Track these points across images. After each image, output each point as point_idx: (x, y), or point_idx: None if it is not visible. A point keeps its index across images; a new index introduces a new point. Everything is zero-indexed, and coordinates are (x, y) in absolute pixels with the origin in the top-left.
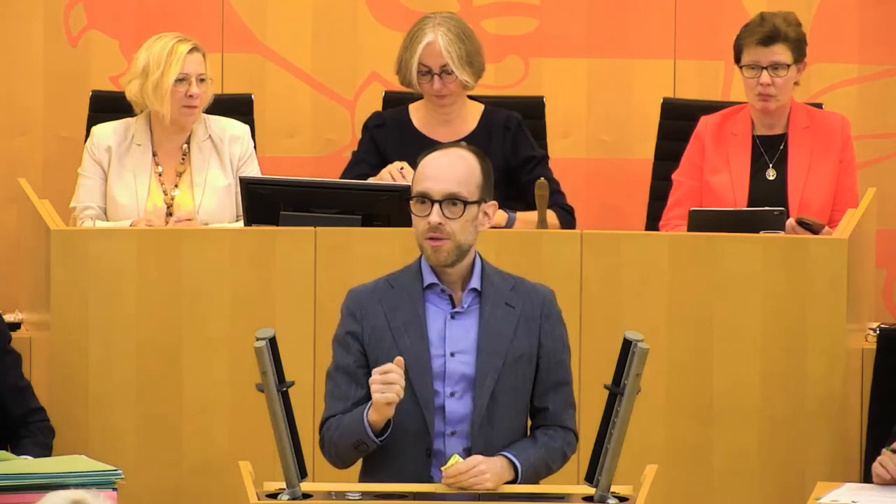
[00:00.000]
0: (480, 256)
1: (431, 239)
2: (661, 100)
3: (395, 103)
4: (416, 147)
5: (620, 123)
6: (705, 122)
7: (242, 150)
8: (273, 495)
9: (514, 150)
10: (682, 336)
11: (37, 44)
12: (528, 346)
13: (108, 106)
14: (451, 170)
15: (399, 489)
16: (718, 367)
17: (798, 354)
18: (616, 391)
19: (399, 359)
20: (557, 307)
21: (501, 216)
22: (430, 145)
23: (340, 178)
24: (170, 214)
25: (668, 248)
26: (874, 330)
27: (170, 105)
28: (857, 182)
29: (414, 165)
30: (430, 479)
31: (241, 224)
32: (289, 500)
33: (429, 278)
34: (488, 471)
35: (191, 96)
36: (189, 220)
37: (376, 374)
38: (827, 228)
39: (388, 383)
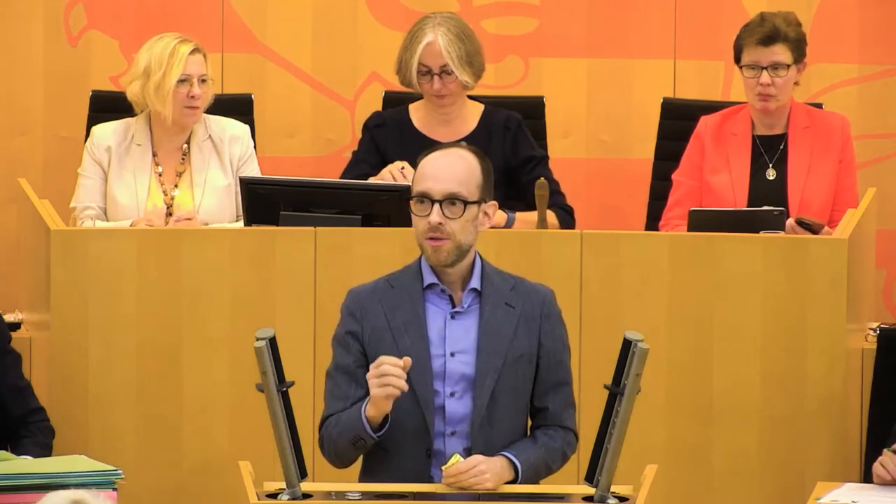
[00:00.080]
0: (480, 256)
1: (431, 239)
2: (661, 100)
3: (395, 103)
4: (416, 147)
5: (620, 123)
6: (705, 122)
7: (242, 150)
8: (273, 495)
9: (514, 150)
10: (682, 336)
11: (37, 44)
12: (528, 346)
13: (108, 106)
14: (451, 170)
15: (399, 489)
16: (718, 367)
17: (798, 354)
18: (616, 391)
19: (407, 359)
20: (557, 307)
21: (501, 216)
22: (430, 145)
23: (340, 177)
24: (170, 214)
25: (668, 248)
26: (874, 330)
27: (171, 106)
28: (857, 182)
29: (414, 165)
30: (430, 479)
31: (241, 224)
32: (289, 500)
33: (429, 278)
34: (488, 471)
35: (192, 97)
36: (189, 219)
37: (371, 370)
38: (827, 228)
39: (382, 375)
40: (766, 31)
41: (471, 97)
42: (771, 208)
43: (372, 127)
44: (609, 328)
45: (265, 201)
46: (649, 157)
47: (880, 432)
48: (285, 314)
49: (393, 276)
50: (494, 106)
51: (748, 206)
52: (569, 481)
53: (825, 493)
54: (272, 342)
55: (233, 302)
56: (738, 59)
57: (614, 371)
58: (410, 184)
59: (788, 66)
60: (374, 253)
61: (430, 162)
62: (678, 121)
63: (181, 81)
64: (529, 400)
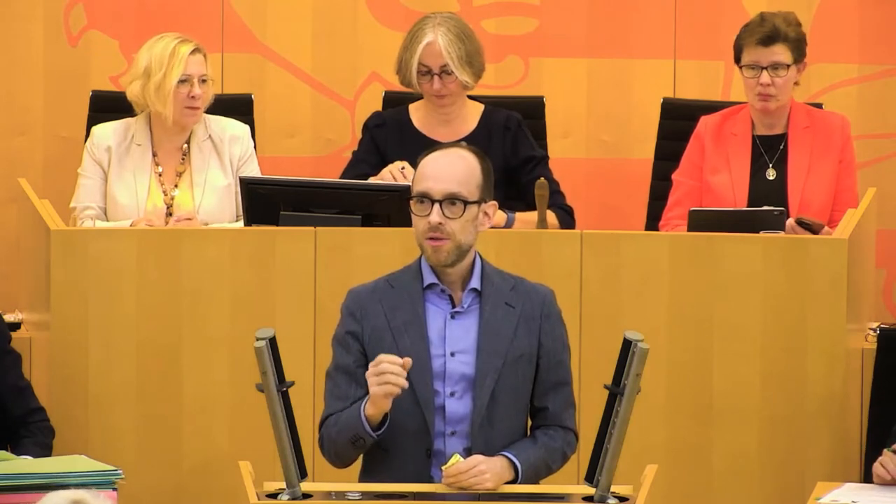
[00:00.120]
0: (480, 256)
1: (431, 239)
2: (661, 100)
3: (395, 103)
4: (416, 147)
5: (620, 123)
6: (705, 122)
7: (242, 150)
8: (273, 495)
9: (514, 150)
10: (682, 336)
11: (37, 44)
12: (528, 346)
13: (108, 106)
14: (451, 170)
15: (399, 489)
16: (718, 367)
17: (798, 354)
18: (616, 391)
19: (407, 359)
20: (557, 307)
21: (501, 217)
22: (430, 145)
23: (340, 177)
24: (170, 214)
25: (668, 248)
26: (874, 330)
27: (172, 106)
28: (857, 182)
29: (414, 165)
30: (430, 479)
31: (241, 224)
32: (289, 500)
33: (429, 278)
34: (488, 471)
35: (193, 97)
36: (189, 219)
37: (371, 368)
38: (827, 228)
39: (381, 374)
40: (766, 31)
41: (471, 97)
42: (771, 208)
43: (372, 127)
44: (609, 328)
45: (265, 201)
46: (649, 157)
47: (880, 432)
48: (285, 314)
49: (393, 276)
50: (494, 106)
51: (748, 206)
52: (569, 481)
53: (825, 493)
54: (272, 342)
55: (233, 302)
56: (738, 59)
57: (614, 371)
58: (410, 184)
59: (788, 66)
60: (374, 253)
61: (431, 162)
62: (678, 121)
63: (182, 82)
64: (529, 400)
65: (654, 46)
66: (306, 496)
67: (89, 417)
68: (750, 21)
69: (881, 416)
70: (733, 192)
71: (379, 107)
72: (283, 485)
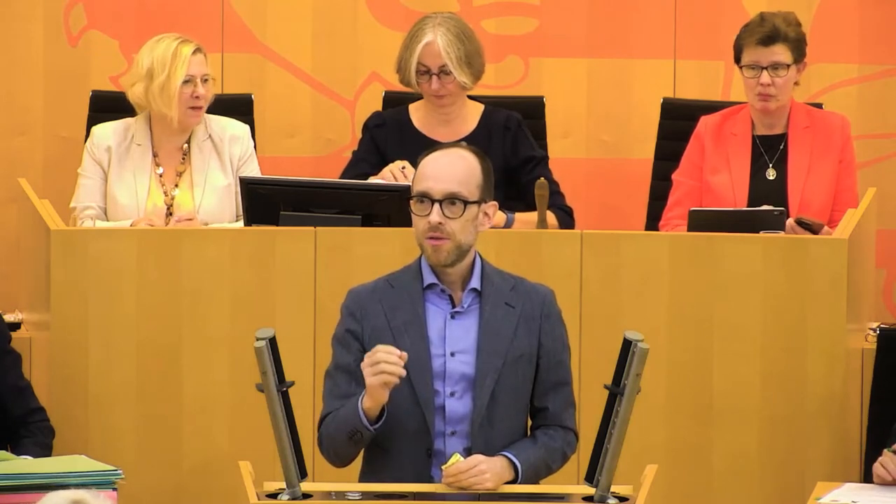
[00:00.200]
0: (480, 256)
1: (431, 238)
2: (661, 100)
3: (395, 103)
4: (416, 147)
5: (620, 123)
6: (705, 122)
7: (242, 150)
8: (273, 495)
9: (514, 150)
10: (682, 336)
11: (37, 44)
12: (528, 346)
13: (108, 106)
14: (451, 169)
15: (399, 489)
16: (718, 367)
17: (798, 354)
18: (616, 391)
19: (403, 353)
20: (557, 307)
21: (500, 217)
22: (430, 145)
23: (340, 177)
24: (170, 214)
25: (668, 248)
26: (874, 330)
27: (177, 107)
28: (857, 182)
29: (415, 165)
30: (430, 479)
31: (241, 224)
32: (289, 500)
33: (428, 278)
34: (488, 470)
35: (197, 97)
36: (190, 219)
37: (366, 359)
38: (827, 228)
39: (376, 363)
40: (766, 31)
41: (471, 97)
42: (771, 208)
43: (372, 127)
44: (609, 328)
45: (265, 201)
46: (649, 157)
47: (880, 432)
48: (285, 314)
49: (393, 276)
50: (494, 106)
51: (748, 206)
52: (569, 481)
53: (825, 493)
54: (272, 342)
55: (233, 302)
56: (738, 60)
57: (614, 371)
58: (411, 183)
59: (788, 66)
60: (374, 253)
61: (431, 162)
62: (678, 121)
63: (185, 82)
64: (529, 400)
65: (654, 46)
66: (306, 496)
67: (89, 417)
68: (750, 21)
69: (881, 415)
70: (733, 192)
71: (379, 107)
72: (283, 485)
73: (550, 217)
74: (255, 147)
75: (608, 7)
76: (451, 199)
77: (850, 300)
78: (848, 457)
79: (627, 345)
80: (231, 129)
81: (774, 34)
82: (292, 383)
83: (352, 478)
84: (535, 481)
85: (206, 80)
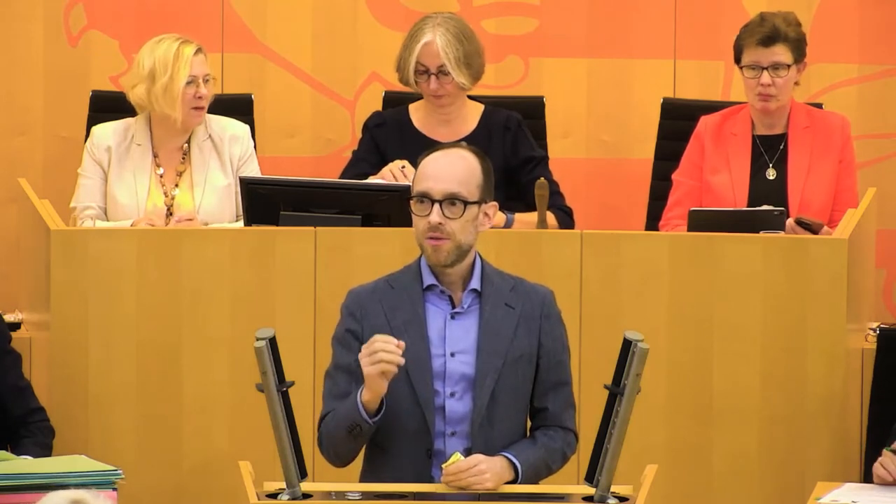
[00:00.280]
0: (480, 257)
1: (431, 238)
2: (661, 100)
3: (395, 103)
4: (416, 147)
5: (620, 123)
6: (705, 122)
7: (242, 150)
8: (273, 495)
9: (514, 150)
10: (682, 336)
11: (37, 44)
12: (528, 346)
13: (108, 106)
14: (451, 170)
15: (399, 489)
16: (718, 367)
17: (798, 354)
18: (616, 391)
19: (401, 342)
20: (557, 308)
21: (500, 218)
22: (430, 145)
23: (340, 177)
24: (170, 214)
25: (668, 248)
26: (874, 330)
27: (181, 108)
28: (857, 182)
29: (415, 165)
30: (430, 480)
31: (241, 224)
32: (289, 500)
33: (428, 279)
34: (488, 470)
35: (200, 97)
36: (190, 219)
37: (363, 349)
38: (827, 228)
39: (373, 352)
40: (767, 32)
41: (471, 97)
42: (771, 208)
43: (372, 127)
44: (609, 328)
45: (265, 201)
46: (649, 157)
47: (880, 432)
48: (285, 314)
49: (392, 276)
50: (494, 106)
51: (748, 206)
52: (569, 481)
53: (825, 493)
54: (272, 342)
55: (233, 302)
56: (738, 60)
57: (614, 371)
58: (410, 183)
59: (789, 66)
60: (374, 253)
61: (431, 162)
62: (678, 121)
63: (188, 83)
64: (529, 400)
65: (654, 46)
66: (306, 496)
67: (89, 417)
68: (750, 21)
69: (881, 415)
70: (733, 192)
71: (379, 107)
72: (283, 485)
73: (550, 217)
74: (255, 147)
75: (608, 7)
76: (451, 199)
77: (850, 300)
78: (848, 457)
79: (627, 345)
80: (231, 128)
81: (775, 34)
82: (292, 383)
83: (352, 478)
84: (535, 482)
85: (207, 81)
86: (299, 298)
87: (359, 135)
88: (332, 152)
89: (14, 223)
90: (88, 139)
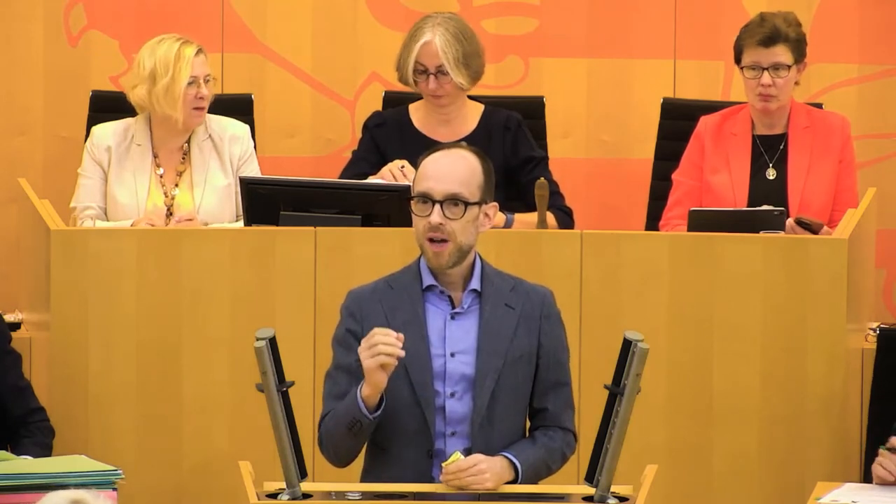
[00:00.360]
0: (480, 257)
1: (432, 241)
2: (661, 100)
3: (395, 103)
4: (417, 147)
5: (620, 123)
6: (705, 122)
7: (242, 150)
8: (273, 495)
9: (514, 150)
10: (682, 336)
11: (37, 44)
12: (528, 347)
13: (108, 106)
14: (452, 170)
15: (399, 489)
16: (718, 367)
17: (798, 354)
18: (616, 391)
19: (401, 334)
20: (557, 308)
21: (500, 218)
22: (430, 145)
23: (339, 176)
24: (170, 214)
25: (668, 248)
26: (874, 330)
27: (182, 108)
28: (857, 182)
29: (415, 165)
30: (431, 480)
31: (241, 224)
32: (289, 500)
33: (428, 279)
34: (488, 470)
35: (201, 98)
36: (190, 219)
37: (363, 343)
38: (826, 228)
39: (373, 345)
40: (767, 32)
41: (471, 97)
42: (771, 208)
43: (372, 127)
44: (609, 328)
45: (265, 201)
46: (649, 157)
47: (880, 432)
48: (285, 314)
49: (392, 276)
50: (494, 106)
51: (748, 206)
52: (569, 481)
53: (825, 493)
54: (272, 342)
55: (233, 302)
56: (738, 60)
57: (614, 371)
58: (410, 183)
59: (789, 66)
60: (374, 253)
61: (432, 162)
62: (678, 121)
63: (189, 84)
64: (529, 400)
65: (654, 46)
66: (306, 496)
67: (89, 417)
68: (750, 21)
69: (881, 415)
70: (733, 192)
71: (379, 107)
72: (283, 485)
73: (550, 217)
74: (255, 147)
75: (608, 7)
76: (452, 200)
77: (850, 300)
78: (848, 457)
79: (627, 345)
80: (231, 128)
81: (775, 35)
82: (292, 383)
83: (352, 478)
84: (535, 482)
85: (207, 81)
86: (299, 298)
87: (359, 135)
88: (332, 152)
89: (14, 223)
90: (88, 139)
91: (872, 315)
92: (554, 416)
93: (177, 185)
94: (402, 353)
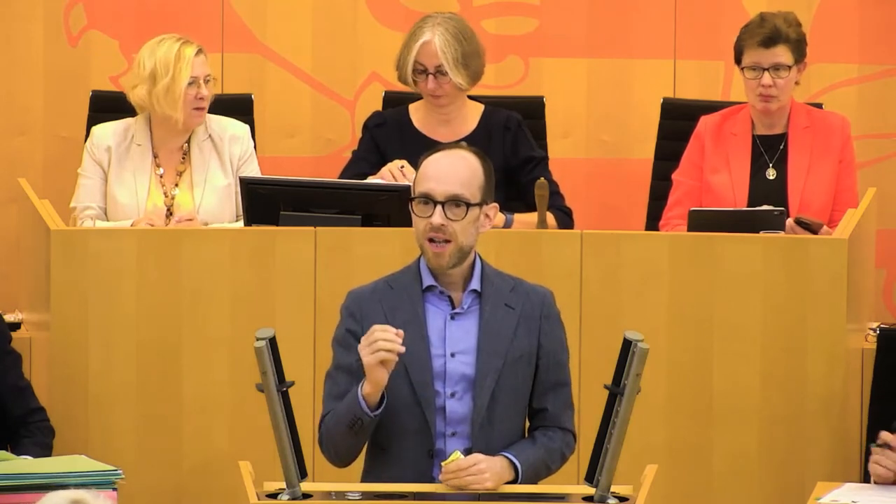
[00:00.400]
0: (480, 257)
1: (433, 242)
2: (661, 100)
3: (395, 103)
4: (417, 147)
5: (620, 123)
6: (705, 122)
7: (242, 150)
8: (273, 495)
9: (514, 150)
10: (682, 336)
11: (37, 44)
12: (528, 347)
13: (108, 106)
14: (453, 171)
15: (399, 489)
16: (718, 367)
17: (798, 354)
18: (616, 391)
19: (400, 331)
20: (556, 308)
21: (500, 218)
22: (430, 145)
23: (339, 176)
24: (170, 214)
25: (668, 248)
26: (874, 330)
27: (182, 109)
28: (857, 182)
29: (415, 165)
30: (431, 480)
31: (241, 224)
32: (289, 500)
33: (427, 280)
34: (488, 470)
35: (201, 98)
36: (190, 219)
37: (363, 340)
38: (826, 228)
39: (372, 342)
40: (767, 33)
41: (471, 97)
42: (771, 208)
43: (372, 127)
44: (609, 328)
45: (265, 201)
46: (649, 157)
47: (880, 432)
48: (285, 314)
49: (392, 277)
50: (494, 106)
51: (748, 206)
52: (569, 481)
53: (825, 493)
54: (272, 342)
55: (233, 302)
56: (738, 61)
57: (614, 371)
58: (410, 183)
59: (790, 67)
60: (374, 253)
61: (433, 163)
62: (678, 121)
63: (189, 84)
64: (528, 401)
65: (654, 46)
66: (306, 496)
67: (89, 417)
68: (750, 22)
69: (881, 415)
70: (733, 192)
71: (379, 107)
72: (283, 485)
73: (550, 218)
74: (255, 147)
75: (608, 7)
76: (453, 200)
77: (850, 300)
78: (848, 457)
79: (627, 345)
80: (231, 128)
81: (775, 35)
82: (292, 383)
83: (352, 478)
84: (535, 482)
85: (208, 81)
86: (299, 298)
87: (359, 135)
88: (332, 152)
89: (14, 223)
90: (88, 139)
91: (872, 315)
92: (554, 417)
93: (177, 185)
94: (402, 349)
